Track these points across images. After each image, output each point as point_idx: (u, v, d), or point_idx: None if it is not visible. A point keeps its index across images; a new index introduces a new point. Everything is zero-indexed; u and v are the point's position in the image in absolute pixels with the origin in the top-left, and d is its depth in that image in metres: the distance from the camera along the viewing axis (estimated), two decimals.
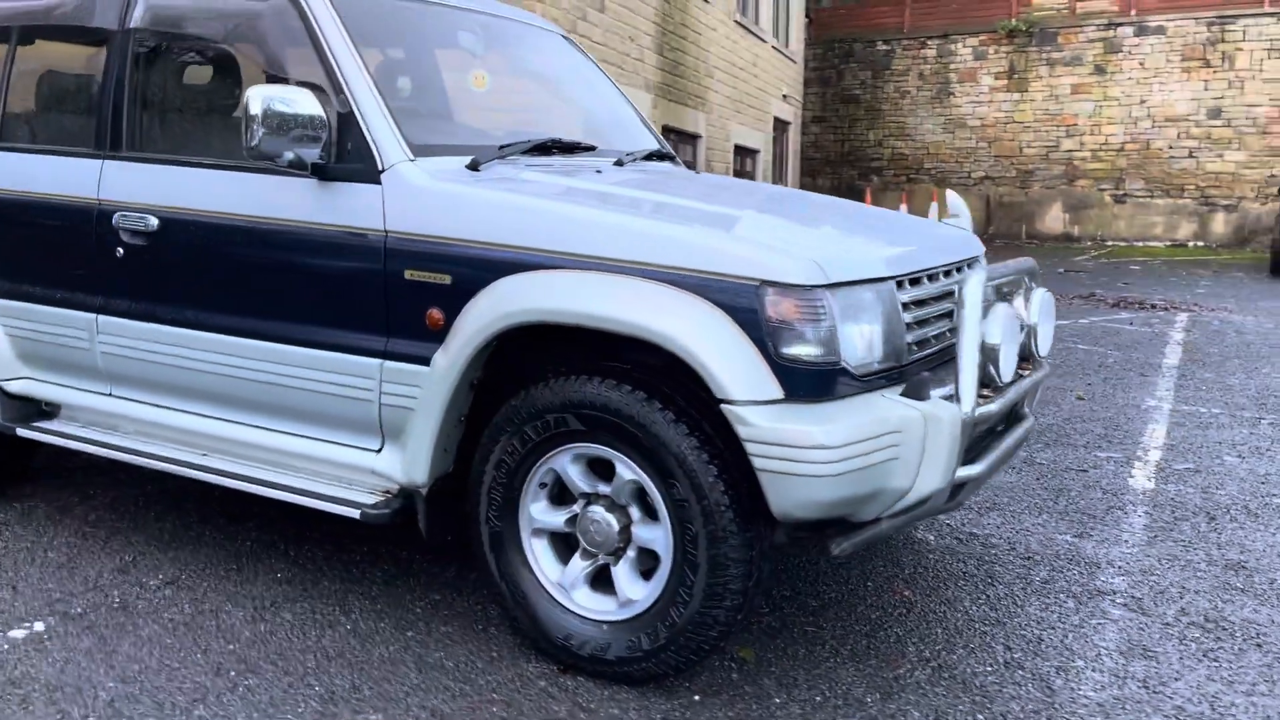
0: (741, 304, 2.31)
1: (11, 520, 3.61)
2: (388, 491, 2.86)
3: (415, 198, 2.70)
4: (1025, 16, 20.74)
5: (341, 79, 2.83)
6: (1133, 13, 20.11)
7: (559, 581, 2.63)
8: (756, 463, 2.27)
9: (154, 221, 3.10)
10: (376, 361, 2.76)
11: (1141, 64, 20.08)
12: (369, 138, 2.77)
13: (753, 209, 2.74)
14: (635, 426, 2.40)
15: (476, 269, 2.59)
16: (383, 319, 2.75)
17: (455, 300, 2.62)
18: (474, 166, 2.85)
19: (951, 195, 3.49)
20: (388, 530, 3.51)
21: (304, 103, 2.71)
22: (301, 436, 2.97)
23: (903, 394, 2.42)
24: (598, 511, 2.55)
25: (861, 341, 2.37)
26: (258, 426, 3.05)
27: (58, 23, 3.53)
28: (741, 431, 2.27)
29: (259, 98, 2.65)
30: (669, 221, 2.49)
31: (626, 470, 2.47)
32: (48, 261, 3.37)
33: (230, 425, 3.10)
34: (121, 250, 3.18)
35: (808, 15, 21.49)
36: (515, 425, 2.57)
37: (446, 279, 2.64)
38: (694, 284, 2.35)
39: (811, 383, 2.30)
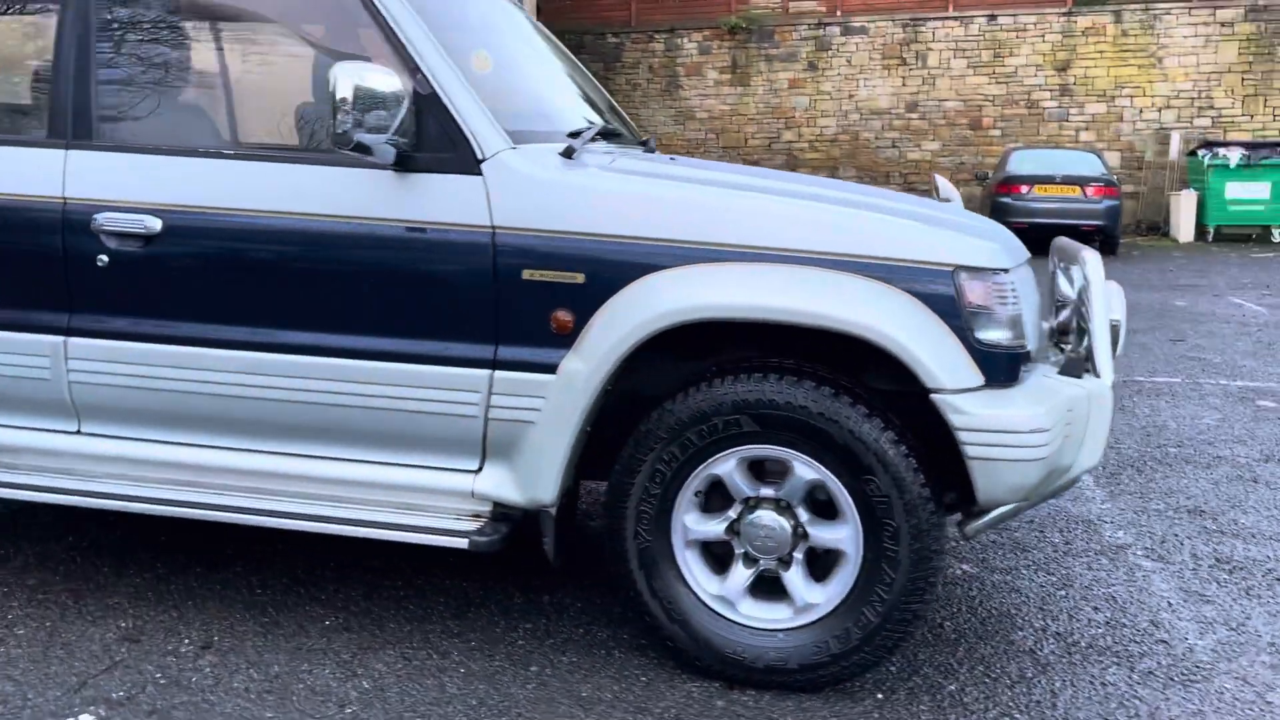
0: (937, 290, 2.27)
1: None
2: (478, 515, 2.59)
3: (531, 190, 2.44)
4: (744, 14, 21.82)
5: (416, 55, 2.50)
6: (838, 14, 21.68)
7: (719, 594, 2.48)
8: (970, 451, 2.25)
9: (155, 223, 2.61)
10: (484, 373, 2.48)
11: (849, 61, 21.69)
12: (461, 124, 2.47)
13: (879, 197, 2.71)
14: (825, 423, 2.30)
15: (618, 265, 2.39)
16: (490, 324, 2.47)
17: (589, 300, 2.41)
18: (568, 154, 2.61)
19: (943, 181, 3.60)
20: (408, 556, 3.17)
21: (389, 83, 2.38)
22: (370, 463, 2.62)
23: (1060, 373, 2.49)
24: (767, 515, 2.42)
25: (1030, 323, 2.40)
26: (308, 455, 2.65)
27: None
28: (956, 420, 2.24)
29: (348, 77, 2.30)
30: (840, 209, 2.40)
31: (807, 470, 2.37)
32: None
33: (266, 457, 2.68)
34: (105, 258, 2.65)
35: (538, 5, 21.46)
36: (675, 431, 2.39)
37: (579, 278, 2.41)
38: (881, 271, 2.29)
39: (1006, 367, 2.30)
